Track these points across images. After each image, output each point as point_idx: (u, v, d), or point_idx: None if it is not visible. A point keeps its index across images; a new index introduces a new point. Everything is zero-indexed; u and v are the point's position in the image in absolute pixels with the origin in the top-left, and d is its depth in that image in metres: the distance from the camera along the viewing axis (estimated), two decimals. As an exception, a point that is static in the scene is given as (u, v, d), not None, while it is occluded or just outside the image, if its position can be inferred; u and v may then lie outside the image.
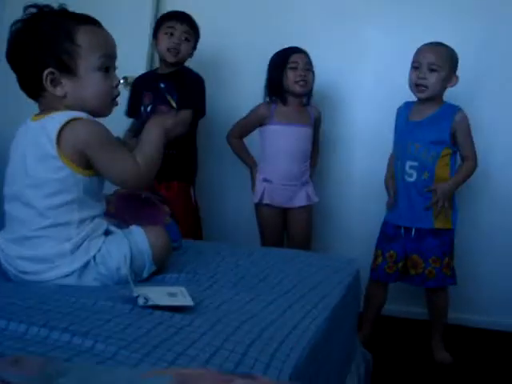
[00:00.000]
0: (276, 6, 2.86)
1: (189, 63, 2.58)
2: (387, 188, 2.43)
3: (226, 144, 2.66)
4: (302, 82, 2.50)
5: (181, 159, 2.48)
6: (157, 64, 2.71)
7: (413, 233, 2.31)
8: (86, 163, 1.39)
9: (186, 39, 2.49)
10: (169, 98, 2.46)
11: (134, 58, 2.61)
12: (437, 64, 2.24)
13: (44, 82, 1.39)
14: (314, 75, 2.56)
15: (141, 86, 2.56)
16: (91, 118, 1.41)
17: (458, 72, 2.29)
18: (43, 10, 1.43)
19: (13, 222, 1.43)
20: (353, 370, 1.78)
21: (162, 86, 2.46)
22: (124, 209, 1.61)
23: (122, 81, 2.49)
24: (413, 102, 2.38)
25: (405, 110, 2.39)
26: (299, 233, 2.60)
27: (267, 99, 2.59)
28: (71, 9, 1.46)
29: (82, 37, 1.40)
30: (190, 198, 2.56)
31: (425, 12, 2.68)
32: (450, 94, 2.36)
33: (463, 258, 2.53)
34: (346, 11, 2.78)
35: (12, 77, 1.45)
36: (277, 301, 1.39)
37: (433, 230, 2.29)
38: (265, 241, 2.63)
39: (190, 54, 2.55)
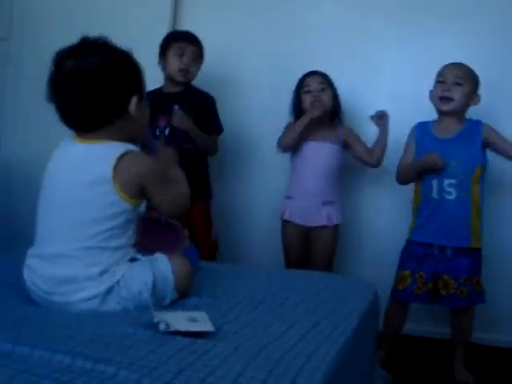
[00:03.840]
0: (290, 28, 2.88)
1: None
2: (420, 162, 2.32)
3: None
4: (317, 103, 2.54)
5: (196, 178, 2.50)
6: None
7: (449, 252, 2.28)
8: (135, 193, 1.44)
9: (195, 60, 2.53)
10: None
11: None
12: (462, 78, 2.27)
13: (130, 108, 1.47)
14: (334, 93, 2.58)
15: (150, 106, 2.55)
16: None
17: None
18: (106, 43, 1.49)
19: (48, 237, 1.46)
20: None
21: (176, 107, 2.48)
22: (147, 233, 1.63)
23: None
24: (428, 122, 2.37)
25: (424, 129, 2.37)
26: (319, 253, 2.58)
27: (292, 121, 2.62)
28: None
29: (138, 65, 1.53)
30: (209, 216, 2.59)
31: (439, 32, 2.69)
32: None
33: (485, 277, 2.49)
34: (360, 33, 2.80)
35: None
36: (296, 324, 1.40)
37: (468, 249, 2.27)
38: (286, 259, 2.64)
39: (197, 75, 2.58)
